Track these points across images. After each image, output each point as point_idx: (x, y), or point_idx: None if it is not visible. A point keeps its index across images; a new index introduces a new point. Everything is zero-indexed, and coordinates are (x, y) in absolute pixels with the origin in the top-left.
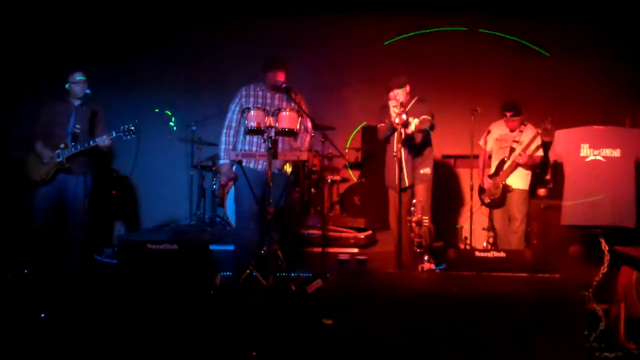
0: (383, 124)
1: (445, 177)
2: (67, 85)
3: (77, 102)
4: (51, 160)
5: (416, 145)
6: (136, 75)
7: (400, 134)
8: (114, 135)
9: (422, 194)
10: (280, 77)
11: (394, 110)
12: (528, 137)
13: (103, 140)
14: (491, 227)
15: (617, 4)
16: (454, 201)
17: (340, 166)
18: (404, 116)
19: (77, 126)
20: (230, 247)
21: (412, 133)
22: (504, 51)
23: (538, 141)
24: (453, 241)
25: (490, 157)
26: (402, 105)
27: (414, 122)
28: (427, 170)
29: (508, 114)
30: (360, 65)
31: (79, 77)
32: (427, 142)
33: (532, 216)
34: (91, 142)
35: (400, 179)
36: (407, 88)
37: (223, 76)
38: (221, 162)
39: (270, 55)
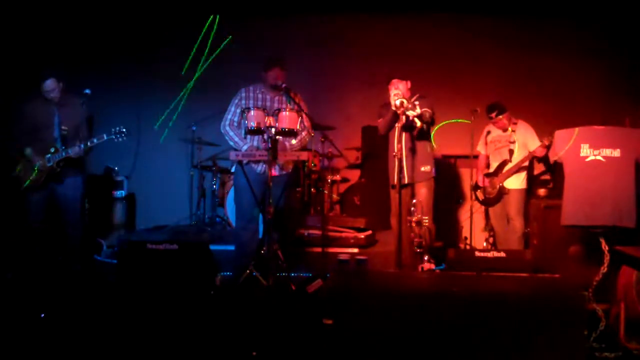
0: (382, 119)
1: (446, 177)
2: (41, 91)
3: (57, 106)
4: (42, 166)
5: (416, 136)
6: (136, 76)
7: (401, 129)
8: (105, 138)
9: (422, 192)
10: (280, 76)
11: (394, 97)
12: (522, 134)
13: (76, 152)
14: (489, 226)
15: (617, 5)
16: (454, 201)
17: (340, 166)
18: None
19: (64, 128)
20: (230, 247)
21: (413, 118)
22: (504, 51)
23: (537, 141)
24: (453, 241)
25: (487, 157)
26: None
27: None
28: (427, 168)
29: (492, 115)
30: (360, 65)
31: (49, 85)
32: (426, 138)
33: (532, 216)
34: (68, 152)
35: (400, 177)
36: (408, 84)
37: (223, 76)
38: (244, 148)
39: (269, 55)
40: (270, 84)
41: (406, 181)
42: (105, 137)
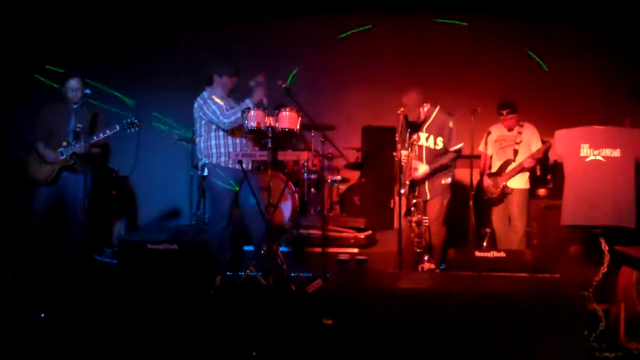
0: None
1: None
2: (63, 90)
3: (75, 105)
4: (55, 159)
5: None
6: (136, 76)
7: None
8: (118, 128)
9: (435, 207)
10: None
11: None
12: (528, 135)
13: (80, 147)
14: (490, 227)
15: (617, 5)
16: (453, 201)
17: (340, 166)
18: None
19: (79, 125)
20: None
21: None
22: (503, 51)
23: (540, 144)
24: (454, 241)
25: (490, 157)
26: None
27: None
28: (447, 180)
29: (504, 112)
30: (360, 65)
31: (73, 84)
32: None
33: (532, 216)
34: (74, 147)
35: (421, 192)
36: (425, 107)
37: None
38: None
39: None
40: (229, 88)
41: (428, 197)
42: (117, 128)
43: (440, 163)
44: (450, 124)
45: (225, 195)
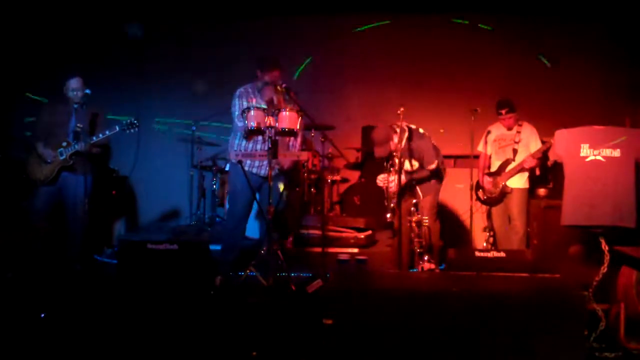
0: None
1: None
2: (63, 90)
3: (76, 105)
4: (55, 159)
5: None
6: (136, 76)
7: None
8: (117, 129)
9: (427, 205)
10: (279, 78)
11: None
12: (527, 135)
13: (82, 147)
14: (490, 227)
15: (617, 5)
16: (453, 201)
17: (340, 166)
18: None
19: (79, 125)
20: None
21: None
22: (504, 51)
23: (539, 144)
24: (454, 241)
25: (490, 157)
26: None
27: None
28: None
29: (503, 112)
30: (360, 65)
31: (74, 84)
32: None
33: (532, 216)
34: (75, 146)
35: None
36: (394, 138)
37: (223, 76)
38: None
39: (265, 56)
40: (268, 86)
41: (421, 197)
42: (117, 129)
43: (417, 176)
44: (422, 145)
45: (239, 195)
